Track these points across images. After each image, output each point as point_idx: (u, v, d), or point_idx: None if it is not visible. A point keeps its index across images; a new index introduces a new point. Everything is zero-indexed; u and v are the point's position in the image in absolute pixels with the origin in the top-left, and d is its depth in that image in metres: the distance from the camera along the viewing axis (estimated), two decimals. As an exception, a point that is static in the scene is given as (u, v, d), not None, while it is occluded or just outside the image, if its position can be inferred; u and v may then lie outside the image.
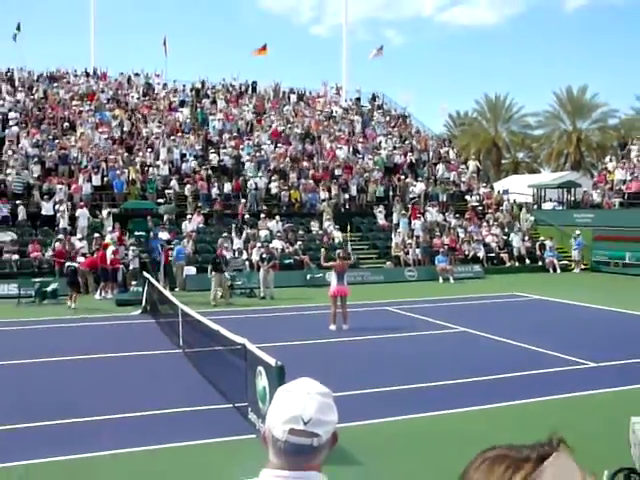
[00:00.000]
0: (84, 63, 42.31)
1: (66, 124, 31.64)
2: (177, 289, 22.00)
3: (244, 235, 25.81)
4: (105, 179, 27.84)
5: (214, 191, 28.82)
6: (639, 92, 67.92)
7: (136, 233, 23.76)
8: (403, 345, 13.53)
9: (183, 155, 31.06)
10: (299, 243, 26.11)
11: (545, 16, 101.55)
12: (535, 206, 37.29)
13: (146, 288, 17.91)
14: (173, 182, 28.56)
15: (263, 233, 25.87)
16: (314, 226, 28.46)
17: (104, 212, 25.36)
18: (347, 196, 31.21)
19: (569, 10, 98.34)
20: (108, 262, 20.87)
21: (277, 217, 27.63)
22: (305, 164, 32.45)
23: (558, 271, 28.84)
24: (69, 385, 10.34)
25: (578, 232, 29.50)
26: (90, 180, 27.28)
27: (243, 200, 28.53)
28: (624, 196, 31.69)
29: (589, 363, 11.45)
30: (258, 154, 32.27)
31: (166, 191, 28.40)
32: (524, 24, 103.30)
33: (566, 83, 79.91)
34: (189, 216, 26.58)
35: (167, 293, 15.39)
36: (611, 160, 36.69)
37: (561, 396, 9.39)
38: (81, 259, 21.26)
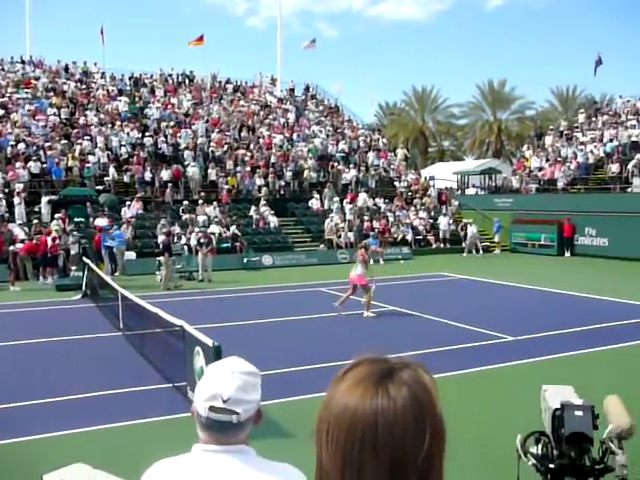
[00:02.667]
0: (20, 51, 41.40)
1: (1, 111, 31.16)
2: (117, 273, 22.31)
3: (182, 220, 26.34)
4: (44, 166, 27.72)
5: (148, 176, 29.10)
6: (553, 86, 70.77)
7: (76, 219, 23.83)
8: (335, 324, 13.85)
9: (121, 143, 31.14)
10: (233, 227, 26.71)
11: (468, 13, 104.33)
12: (459, 191, 38.89)
13: (86, 273, 17.99)
14: (112, 169, 28.65)
15: (201, 218, 26.38)
16: (251, 211, 29.15)
17: (43, 199, 25.28)
18: (282, 182, 31.98)
19: (489, 8, 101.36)
20: (48, 248, 20.99)
21: (215, 203, 28.17)
22: (242, 152, 33.01)
23: (481, 252, 30.22)
24: (10, 370, 10.22)
25: (496, 218, 31.16)
26: (27, 167, 27.12)
27: (181, 186, 28.99)
28: (540, 182, 33.52)
29: (508, 337, 12.00)
30: (196, 142, 32.66)
31: (105, 178, 28.53)
32: (449, 20, 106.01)
33: (487, 76, 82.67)
34: (128, 202, 26.81)
35: (107, 278, 15.49)
36: (528, 149, 38.59)
37: (483, 368, 9.86)
38: (20, 245, 21.30)
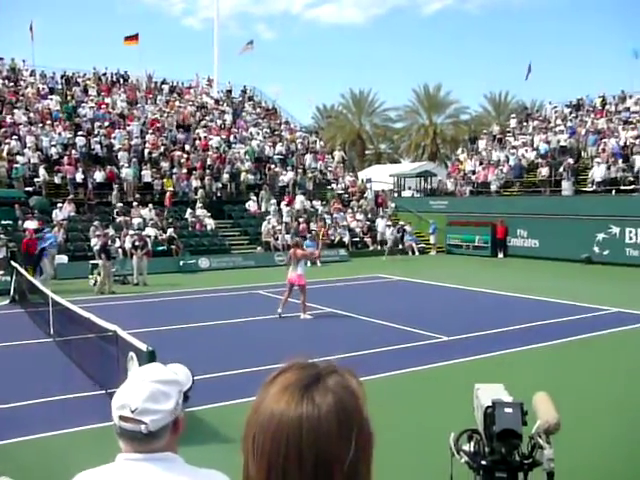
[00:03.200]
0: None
1: None
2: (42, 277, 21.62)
3: (116, 223, 25.79)
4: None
5: (80, 177, 28.38)
6: (487, 91, 72.67)
7: (3, 222, 23.05)
8: (272, 327, 13.82)
9: (52, 143, 30.28)
10: (170, 230, 26.35)
11: (406, 18, 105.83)
12: (396, 194, 39.44)
13: (14, 277, 17.42)
14: (42, 170, 27.82)
15: (136, 221, 25.91)
16: (187, 214, 28.80)
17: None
18: (219, 185, 31.72)
19: (427, 13, 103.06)
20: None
21: (150, 205, 27.71)
22: (178, 154, 32.57)
23: (417, 254, 30.77)
24: None
25: (432, 220, 31.73)
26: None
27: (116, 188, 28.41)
28: (474, 185, 34.33)
29: (443, 337, 12.19)
30: (130, 143, 32.05)
31: (35, 179, 27.68)
32: (387, 24, 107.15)
33: (423, 81, 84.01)
34: (60, 205, 26.10)
35: (37, 282, 14.87)
36: (462, 152, 39.49)
37: (418, 368, 9.96)
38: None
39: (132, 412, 1.63)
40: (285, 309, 14.70)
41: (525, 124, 39.14)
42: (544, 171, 30.84)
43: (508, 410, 2.52)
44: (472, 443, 2.70)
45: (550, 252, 26.77)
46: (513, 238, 29.26)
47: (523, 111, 44.55)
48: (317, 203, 32.91)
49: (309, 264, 26.31)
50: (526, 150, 33.92)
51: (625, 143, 29.25)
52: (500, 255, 29.24)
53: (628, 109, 33.70)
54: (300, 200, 31.90)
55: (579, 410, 7.64)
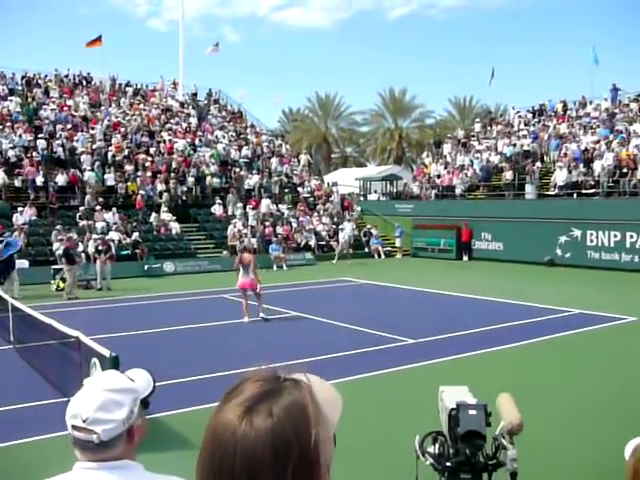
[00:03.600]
0: None
1: None
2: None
3: (79, 227, 25.41)
4: None
5: (42, 181, 27.95)
6: (452, 96, 73.50)
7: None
8: (237, 331, 13.78)
9: (12, 146, 29.70)
10: (135, 234, 26.07)
11: (371, 22, 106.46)
12: (362, 197, 39.59)
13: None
14: (1, 174, 27.28)
15: (99, 225, 25.56)
16: (152, 217, 28.52)
17: None
18: (184, 188, 31.47)
19: (392, 18, 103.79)
20: None
21: (114, 209, 27.36)
22: (142, 157, 32.22)
23: (382, 257, 30.91)
24: None
25: (397, 224, 31.93)
26: None
27: (78, 192, 28.01)
28: (439, 188, 34.64)
29: (408, 340, 12.26)
30: (94, 146, 31.60)
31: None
32: (353, 28, 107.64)
33: (389, 85, 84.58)
34: (20, 208, 25.61)
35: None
36: (427, 156, 39.80)
37: (384, 371, 10.03)
38: None
39: (84, 422, 1.62)
40: (251, 313, 14.61)
41: (489, 128, 39.65)
42: (508, 175, 31.27)
43: (472, 412, 2.53)
44: (437, 445, 2.71)
45: (514, 255, 27.12)
46: (478, 241, 29.57)
47: (487, 116, 45.13)
48: (283, 207, 32.87)
49: (275, 268, 26.37)
50: (490, 154, 34.35)
51: (586, 148, 29.82)
52: (465, 258, 29.53)
53: (588, 114, 34.37)
54: (266, 204, 31.83)
55: (542, 410, 7.73)
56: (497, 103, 56.85)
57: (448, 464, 2.61)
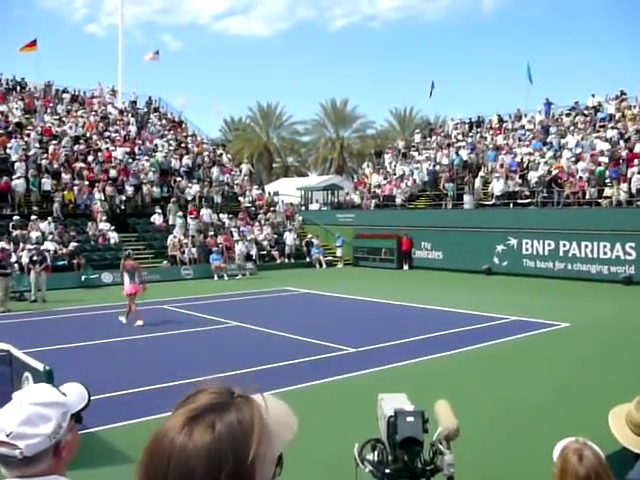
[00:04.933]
0: None
1: None
2: None
3: (12, 237, 24.62)
4: None
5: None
6: (392, 107, 74.61)
7: None
8: (178, 342, 13.69)
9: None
10: (73, 244, 25.43)
11: (312, 34, 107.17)
12: (303, 207, 39.67)
13: None
14: None
15: (34, 234, 24.84)
16: (89, 227, 27.88)
17: None
18: (123, 197, 30.90)
19: (332, 30, 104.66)
20: None
21: (49, 218, 26.64)
22: (80, 165, 31.48)
23: (324, 266, 31.02)
24: None
25: (338, 233, 32.13)
26: None
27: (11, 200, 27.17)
28: (379, 198, 35.01)
29: (349, 349, 12.30)
30: (28, 153, 30.70)
31: None
32: (293, 39, 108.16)
33: (330, 95, 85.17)
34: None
35: None
36: (368, 166, 40.23)
37: (325, 380, 10.06)
38: None
39: (7, 436, 1.56)
40: (191, 325, 14.51)
41: (429, 139, 40.35)
42: (446, 186, 31.85)
43: (410, 419, 2.56)
44: (376, 452, 2.73)
45: (453, 264, 27.62)
46: (418, 250, 30.00)
47: (427, 127, 45.95)
48: (224, 216, 32.63)
49: (216, 277, 26.15)
50: (430, 164, 34.93)
51: (521, 159, 30.66)
52: (405, 267, 29.90)
53: (523, 127, 35.39)
54: (207, 213, 31.55)
55: (478, 416, 7.87)
56: (436, 114, 58.05)
57: (387, 471, 2.64)
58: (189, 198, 33.14)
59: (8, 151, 30.33)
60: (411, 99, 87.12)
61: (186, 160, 36.33)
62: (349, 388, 9.75)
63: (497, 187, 29.07)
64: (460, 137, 37.70)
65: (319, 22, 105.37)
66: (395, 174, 36.10)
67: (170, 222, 30.33)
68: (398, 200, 33.41)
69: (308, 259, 31.42)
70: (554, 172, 27.54)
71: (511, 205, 28.27)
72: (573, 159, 28.12)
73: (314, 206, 39.92)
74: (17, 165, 29.20)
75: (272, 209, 35.86)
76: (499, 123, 37.53)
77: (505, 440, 7.42)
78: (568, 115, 34.16)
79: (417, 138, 41.43)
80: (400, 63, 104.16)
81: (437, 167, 34.21)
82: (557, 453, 2.40)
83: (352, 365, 11.06)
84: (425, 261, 29.55)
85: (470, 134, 37.73)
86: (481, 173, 31.06)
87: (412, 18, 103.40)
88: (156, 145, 37.62)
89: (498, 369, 10.95)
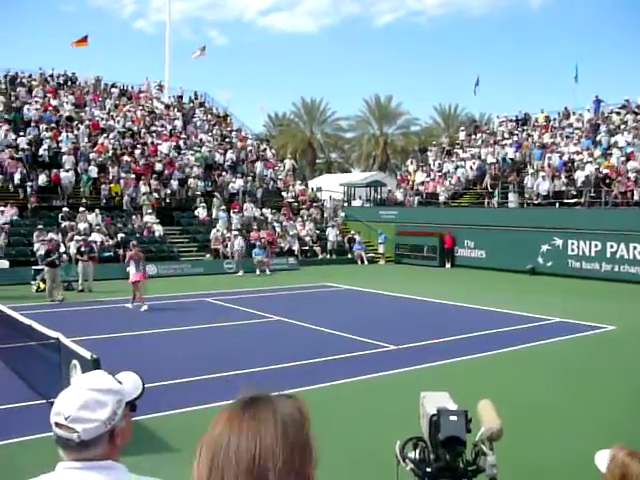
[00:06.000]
0: None
1: None
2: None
3: (61, 228, 25.21)
4: None
5: (24, 180, 27.76)
6: (437, 104, 73.96)
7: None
8: (220, 335, 13.82)
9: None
10: (120, 236, 25.92)
11: (357, 29, 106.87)
12: (345, 203, 39.66)
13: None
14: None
15: (82, 226, 25.37)
16: (135, 220, 28.38)
17: None
18: (168, 191, 31.35)
19: (378, 25, 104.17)
20: None
21: (97, 210, 27.19)
22: (126, 158, 32.05)
23: (366, 263, 30.99)
24: None
25: (380, 230, 32.03)
26: None
27: (61, 192, 27.80)
28: (422, 195, 34.80)
29: (390, 346, 12.28)
30: (77, 147, 31.36)
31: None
32: (339, 34, 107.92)
33: (375, 91, 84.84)
34: (2, 208, 25.36)
35: None
36: (412, 163, 39.98)
37: (366, 377, 10.02)
38: None
39: (65, 419, 1.62)
40: (235, 317, 14.64)
41: (473, 137, 39.91)
42: (491, 184, 31.48)
43: (453, 418, 2.55)
44: (417, 451, 2.73)
45: (496, 263, 27.30)
46: (460, 248, 29.74)
47: (472, 124, 45.46)
48: (267, 211, 32.84)
49: (258, 272, 26.34)
50: (474, 162, 34.58)
51: (569, 158, 30.11)
52: (448, 265, 29.67)
53: (571, 125, 34.74)
54: (250, 208, 31.79)
55: (521, 417, 7.78)
56: (482, 112, 57.35)
57: (428, 470, 2.63)
58: (233, 192, 33.44)
59: (59, 144, 31.03)
60: (456, 96, 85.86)
61: (230, 155, 36.66)
62: (390, 385, 9.74)
63: (543, 186, 28.61)
64: (506, 135, 37.19)
65: (364, 17, 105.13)
66: (439, 171, 35.84)
67: (213, 216, 30.66)
68: (441, 198, 33.18)
69: (350, 255, 31.42)
70: (604, 171, 26.99)
71: (557, 205, 27.80)
72: (623, 158, 27.50)
73: (357, 202, 39.87)
74: (66, 158, 29.85)
75: (315, 204, 35.93)
76: (546, 121, 36.90)
77: (546, 442, 7.32)
78: (618, 114, 33.39)
79: (462, 135, 41.04)
80: (445, 59, 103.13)
81: (482, 165, 33.80)
82: (605, 461, 2.35)
83: (393, 362, 11.07)
84: (468, 259, 29.27)
85: (517, 132, 37.16)
86: (530, 171, 30.55)
87: (458, 13, 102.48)
88: (201, 140, 38.04)
89: (541, 370, 10.80)
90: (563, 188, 28.23)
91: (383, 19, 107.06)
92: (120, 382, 1.76)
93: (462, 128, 43.50)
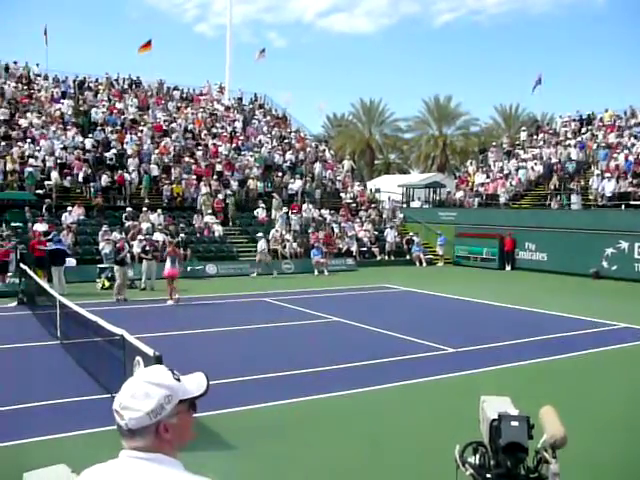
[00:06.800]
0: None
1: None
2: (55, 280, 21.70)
3: (125, 227, 25.88)
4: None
5: (91, 181, 28.63)
6: (497, 103, 72.65)
7: (13, 224, 23.21)
8: (278, 334, 13.88)
9: (63, 147, 30.39)
10: (181, 236, 26.43)
11: (416, 28, 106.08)
12: (404, 204, 39.43)
13: (23, 279, 17.54)
14: (54, 174, 27.94)
15: (145, 225, 25.99)
16: (195, 220, 28.89)
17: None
18: (228, 191, 31.80)
19: (437, 25, 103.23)
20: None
21: (159, 210, 27.80)
22: (187, 160, 32.68)
23: (424, 265, 30.72)
24: None
25: (440, 232, 31.73)
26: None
27: (125, 192, 28.58)
28: (482, 197, 34.30)
29: (449, 349, 12.12)
30: (141, 148, 32.18)
31: (46, 182, 27.80)
32: (398, 35, 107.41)
33: (434, 92, 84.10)
34: (69, 208, 26.20)
35: (46, 285, 14.81)
36: (471, 164, 39.45)
37: (423, 379, 9.95)
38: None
39: (119, 406, 1.72)
40: (294, 318, 14.74)
41: (535, 137, 39.11)
42: (553, 185, 30.79)
43: (514, 423, 2.52)
44: (477, 456, 2.70)
45: (558, 266, 26.69)
46: (521, 251, 29.19)
47: (533, 124, 44.53)
48: (325, 212, 32.94)
49: (316, 272, 26.44)
50: (535, 163, 33.89)
51: (637, 157, 29.18)
52: (508, 268, 29.17)
53: (639, 124, 33.65)
54: (309, 208, 31.94)
55: (586, 424, 7.60)
56: (544, 111, 56.12)
57: (488, 476, 2.60)
58: (291, 193, 33.68)
59: (123, 146, 31.89)
60: (517, 95, 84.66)
61: (289, 156, 36.93)
62: (448, 388, 9.65)
63: (608, 187, 27.82)
64: (569, 135, 36.31)
65: (424, 17, 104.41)
66: (500, 172, 35.26)
67: (272, 216, 30.94)
68: (502, 199, 32.63)
69: (408, 257, 31.21)
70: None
71: (622, 206, 26.98)
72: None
73: (415, 204, 39.61)
74: (130, 160, 30.64)
75: (373, 206, 35.84)
76: (611, 120, 35.85)
77: (612, 452, 7.12)
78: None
79: (523, 136, 40.27)
80: (506, 58, 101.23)
81: (542, 167, 33.09)
82: None
83: (451, 365, 10.94)
84: (528, 262, 28.71)
85: (582, 131, 36.21)
86: (595, 172, 29.74)
87: (519, 10, 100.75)
88: (260, 141, 38.44)
89: (605, 377, 10.51)
90: (630, 189, 27.37)
91: (442, 18, 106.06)
92: (179, 379, 1.78)
93: (523, 128, 42.66)
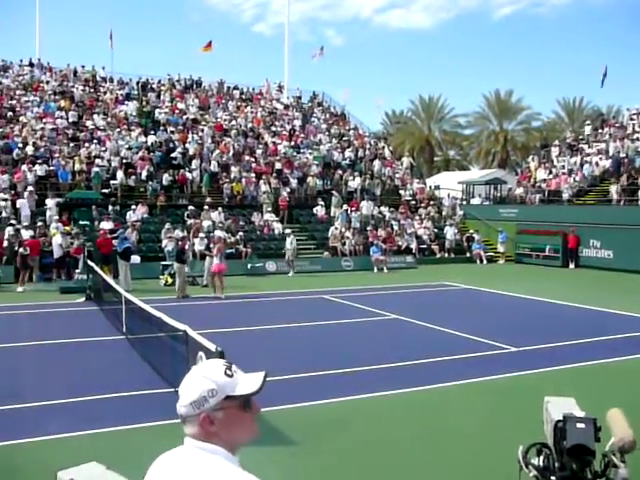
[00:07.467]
0: (29, 54, 42.01)
1: (10, 113, 31.39)
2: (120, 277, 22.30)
3: (187, 225, 26.39)
4: (50, 169, 27.83)
5: (154, 180, 29.30)
6: (560, 97, 70.85)
7: (81, 222, 24.00)
8: (338, 331, 13.93)
9: (128, 147, 31.21)
10: (240, 234, 26.77)
11: (475, 22, 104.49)
12: (464, 201, 38.92)
13: (90, 276, 18.09)
14: (119, 173, 28.73)
15: (206, 224, 26.43)
16: (255, 218, 29.22)
17: (49, 201, 25.17)
18: (288, 189, 32.03)
19: (496, 18, 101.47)
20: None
21: (219, 208, 28.22)
22: (247, 158, 33.06)
23: (484, 262, 30.26)
24: (15, 371, 10.33)
25: (500, 228, 31.20)
26: (33, 170, 27.16)
27: (187, 191, 29.16)
28: (544, 193, 33.55)
29: (511, 348, 11.91)
30: (202, 148, 32.71)
31: (111, 182, 28.63)
32: (456, 29, 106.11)
33: (494, 87, 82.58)
34: (133, 206, 26.88)
35: (112, 281, 15.28)
36: (533, 160, 38.61)
37: (485, 378, 9.82)
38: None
39: (179, 393, 1.80)
40: (349, 315, 14.77)
41: (600, 131, 38.02)
42: (620, 179, 29.88)
43: (580, 425, 2.46)
44: (541, 457, 2.66)
45: (625, 264, 25.88)
46: (585, 248, 28.45)
47: (598, 117, 43.28)
48: (385, 209, 32.82)
49: (375, 270, 26.38)
50: (600, 158, 32.94)
51: None
52: (571, 265, 28.48)
53: None
54: (367, 206, 31.87)
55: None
56: (609, 104, 54.53)
57: (553, 478, 2.55)
58: (351, 191, 33.68)
59: (185, 145, 32.52)
60: (581, 89, 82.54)
61: (348, 153, 36.94)
62: (510, 388, 9.49)
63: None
64: (637, 128, 35.13)
65: (483, 11, 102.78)
66: (563, 168, 34.43)
67: (332, 214, 31.01)
68: (565, 195, 31.86)
69: (468, 254, 30.82)
70: None
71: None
72: None
73: (476, 200, 39.05)
74: (192, 159, 31.26)
75: (432, 203, 35.51)
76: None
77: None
78: None
79: (587, 130, 39.18)
80: (569, 50, 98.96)
81: (609, 161, 32.11)
82: None
83: (514, 364, 10.75)
84: (593, 260, 27.94)
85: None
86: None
87: (580, 1, 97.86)
88: (319, 138, 38.56)
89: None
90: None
91: (502, 11, 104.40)
92: (231, 376, 1.78)
93: (588, 122, 41.50)
